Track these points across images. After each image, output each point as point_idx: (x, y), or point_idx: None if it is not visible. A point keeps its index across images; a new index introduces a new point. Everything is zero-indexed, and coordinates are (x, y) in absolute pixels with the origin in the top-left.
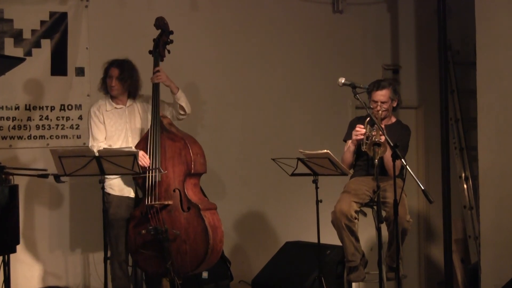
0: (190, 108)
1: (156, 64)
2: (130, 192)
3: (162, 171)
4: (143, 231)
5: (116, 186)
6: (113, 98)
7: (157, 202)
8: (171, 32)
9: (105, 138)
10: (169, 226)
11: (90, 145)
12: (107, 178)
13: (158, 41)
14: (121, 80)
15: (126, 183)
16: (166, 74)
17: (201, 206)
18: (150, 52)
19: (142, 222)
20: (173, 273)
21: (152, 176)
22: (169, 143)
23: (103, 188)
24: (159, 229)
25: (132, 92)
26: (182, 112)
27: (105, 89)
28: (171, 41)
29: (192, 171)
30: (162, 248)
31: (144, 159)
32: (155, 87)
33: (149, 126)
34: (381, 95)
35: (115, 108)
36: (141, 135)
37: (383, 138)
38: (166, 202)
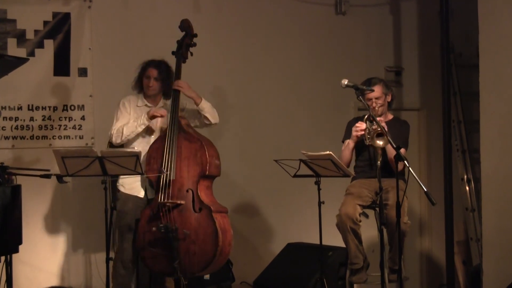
0: (217, 118)
1: (178, 65)
2: (139, 192)
3: (164, 171)
4: (154, 228)
5: (127, 184)
6: (146, 96)
7: (169, 201)
8: (195, 35)
9: None
10: (180, 225)
11: (111, 131)
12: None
13: (182, 43)
14: (159, 81)
15: (136, 182)
16: (187, 84)
17: (212, 208)
18: (173, 53)
19: (153, 220)
20: (180, 273)
21: (165, 174)
22: (186, 144)
23: (105, 188)
24: (169, 227)
25: (166, 93)
26: (207, 122)
27: (138, 87)
28: (194, 44)
29: (207, 172)
30: (171, 246)
31: (158, 112)
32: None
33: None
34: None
35: (146, 105)
36: None
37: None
38: (178, 202)
